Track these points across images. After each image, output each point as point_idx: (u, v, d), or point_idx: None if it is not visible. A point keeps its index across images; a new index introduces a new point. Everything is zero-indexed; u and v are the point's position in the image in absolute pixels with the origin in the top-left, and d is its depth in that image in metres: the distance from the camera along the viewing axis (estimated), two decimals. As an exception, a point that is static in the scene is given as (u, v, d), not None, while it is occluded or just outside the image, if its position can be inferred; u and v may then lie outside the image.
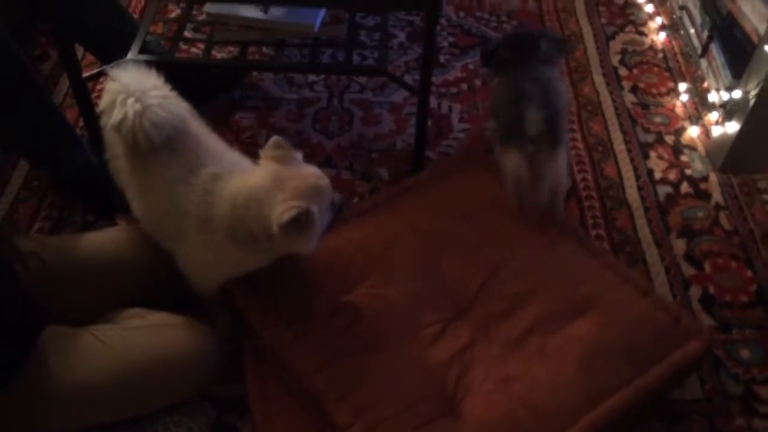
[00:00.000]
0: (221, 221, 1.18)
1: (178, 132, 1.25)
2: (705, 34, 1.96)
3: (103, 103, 1.26)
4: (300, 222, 1.11)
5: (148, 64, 1.38)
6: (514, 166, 1.42)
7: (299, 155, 1.23)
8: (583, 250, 1.42)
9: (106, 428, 1.17)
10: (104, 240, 1.35)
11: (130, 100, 1.20)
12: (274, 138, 1.22)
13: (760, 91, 1.62)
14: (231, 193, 1.18)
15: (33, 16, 1.99)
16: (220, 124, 1.79)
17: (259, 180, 1.17)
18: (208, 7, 1.73)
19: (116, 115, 1.21)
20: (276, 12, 1.70)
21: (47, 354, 1.13)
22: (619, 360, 1.24)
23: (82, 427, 1.16)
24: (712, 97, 1.85)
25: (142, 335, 1.21)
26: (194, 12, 1.82)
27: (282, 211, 1.10)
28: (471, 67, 2.07)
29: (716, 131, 1.80)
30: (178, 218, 1.23)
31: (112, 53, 1.67)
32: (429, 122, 1.77)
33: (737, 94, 1.69)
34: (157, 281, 1.32)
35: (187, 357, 1.21)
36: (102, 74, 1.56)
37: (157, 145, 1.22)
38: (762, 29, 1.65)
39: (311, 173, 1.21)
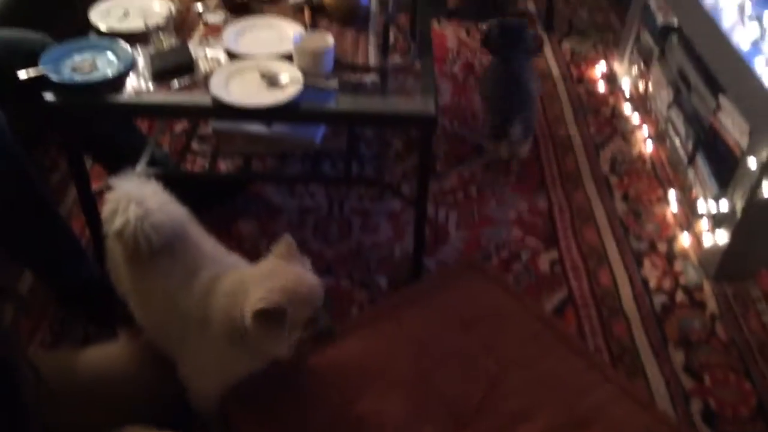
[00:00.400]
0: (217, 316, 1.19)
1: (177, 236, 1.28)
2: (690, 145, 2.04)
3: (105, 212, 1.29)
4: (271, 316, 1.11)
5: (156, 176, 1.44)
6: (503, 155, 2.16)
7: (307, 261, 1.24)
8: (582, 361, 1.42)
9: None
10: (105, 357, 1.35)
11: (132, 206, 1.23)
12: (286, 237, 1.23)
13: (746, 202, 1.68)
14: (226, 286, 1.20)
15: (44, 126, 2.07)
16: (223, 232, 1.83)
17: (255, 271, 1.20)
18: (215, 122, 1.81)
19: (118, 221, 1.24)
20: (279, 126, 1.78)
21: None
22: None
23: None
24: (701, 205, 1.90)
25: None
26: (200, 126, 1.91)
27: (257, 299, 1.11)
28: (466, 175, 2.14)
29: (707, 240, 1.85)
30: (180, 323, 1.24)
31: (120, 165, 1.73)
32: (426, 230, 1.81)
33: (724, 204, 1.75)
34: (159, 399, 1.31)
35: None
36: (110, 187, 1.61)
37: (157, 249, 1.24)
38: (743, 143, 1.73)
39: (304, 279, 1.19)
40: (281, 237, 1.23)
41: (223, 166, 2.01)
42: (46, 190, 1.65)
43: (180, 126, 2.15)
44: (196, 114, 1.67)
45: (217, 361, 1.24)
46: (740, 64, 1.74)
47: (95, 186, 1.65)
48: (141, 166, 1.71)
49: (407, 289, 1.62)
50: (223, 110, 1.46)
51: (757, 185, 1.65)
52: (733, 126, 1.81)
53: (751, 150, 1.67)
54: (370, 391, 1.36)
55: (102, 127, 1.78)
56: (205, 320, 1.21)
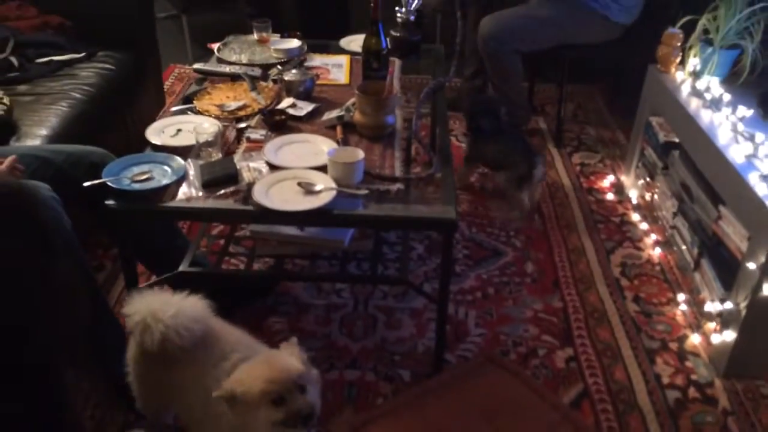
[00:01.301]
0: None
1: (204, 331, 1.40)
2: (695, 250, 2.17)
3: (131, 326, 1.39)
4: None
5: (198, 275, 1.59)
6: (527, 201, 2.52)
7: (305, 356, 1.36)
8: (597, 453, 1.49)
9: None
10: None
11: (158, 324, 1.35)
12: (293, 339, 1.39)
13: (749, 304, 1.78)
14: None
15: (93, 228, 2.26)
16: (255, 328, 1.96)
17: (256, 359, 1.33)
18: (253, 226, 1.98)
19: (147, 341, 1.36)
20: (311, 229, 1.94)
21: None
22: None
23: None
24: (708, 307, 2.00)
25: None
26: (237, 229, 2.08)
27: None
28: (485, 276, 2.28)
29: (716, 339, 1.93)
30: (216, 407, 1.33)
31: (164, 265, 1.89)
32: (447, 327, 1.92)
33: (729, 305, 1.85)
34: None
35: None
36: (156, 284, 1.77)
37: (187, 347, 1.36)
38: (744, 248, 1.85)
39: (275, 363, 1.29)
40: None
41: (257, 266, 2.17)
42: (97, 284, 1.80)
43: (217, 230, 2.34)
44: (240, 218, 1.84)
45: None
46: (736, 178, 1.90)
47: (141, 284, 1.81)
48: (184, 266, 1.87)
49: (430, 381, 1.70)
50: (264, 215, 1.63)
51: (758, 287, 1.76)
52: (734, 233, 1.95)
53: (750, 254, 1.80)
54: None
55: (150, 230, 1.96)
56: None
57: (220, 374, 1.34)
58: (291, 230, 1.95)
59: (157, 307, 1.37)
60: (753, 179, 1.84)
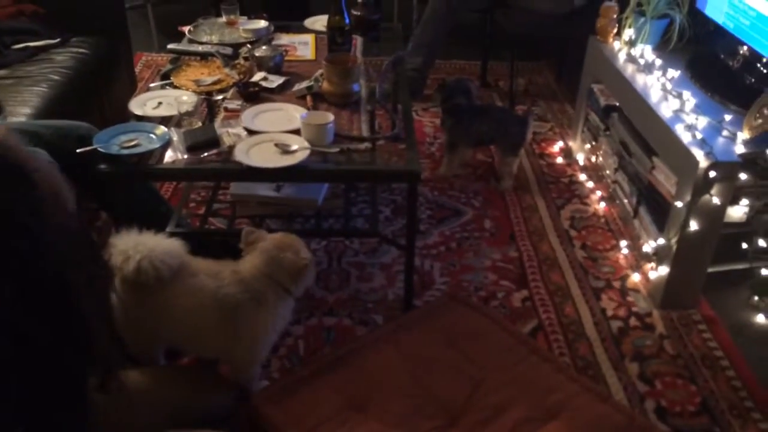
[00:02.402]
0: (264, 287, 1.59)
1: (179, 264, 1.59)
2: (634, 200, 2.41)
3: (116, 259, 1.55)
4: (306, 268, 1.65)
5: (184, 235, 1.75)
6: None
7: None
8: (550, 366, 1.70)
9: None
10: (169, 377, 1.63)
11: (137, 255, 1.53)
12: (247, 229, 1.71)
13: (679, 239, 2.02)
14: (255, 267, 1.61)
15: (80, 198, 2.38)
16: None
17: (270, 249, 1.64)
18: (233, 189, 2.14)
19: (127, 269, 1.53)
20: (287, 190, 2.12)
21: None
22: (586, 453, 1.48)
23: None
24: (646, 248, 2.24)
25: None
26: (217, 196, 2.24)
27: (297, 259, 1.63)
28: (447, 233, 2.48)
29: (653, 275, 2.17)
30: (227, 321, 1.57)
31: (150, 228, 2.03)
32: (414, 277, 2.12)
33: (662, 242, 2.09)
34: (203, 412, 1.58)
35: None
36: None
37: (169, 276, 1.55)
38: (673, 191, 2.09)
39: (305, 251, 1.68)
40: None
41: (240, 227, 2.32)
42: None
43: (197, 196, 2.49)
44: (223, 176, 2.00)
45: (267, 326, 1.59)
46: (666, 130, 2.14)
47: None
48: (171, 227, 2.02)
49: (402, 318, 1.90)
50: (246, 173, 1.80)
51: (686, 223, 2.00)
52: (665, 179, 2.19)
53: (678, 195, 2.03)
54: (376, 397, 1.62)
55: (136, 196, 2.10)
56: (255, 297, 1.57)
57: (226, 287, 1.58)
58: (268, 192, 2.12)
59: (137, 241, 1.55)
60: (679, 130, 2.08)
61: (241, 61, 2.33)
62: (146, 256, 1.53)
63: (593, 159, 2.86)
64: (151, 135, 1.91)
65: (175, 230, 2.01)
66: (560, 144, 3.07)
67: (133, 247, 1.54)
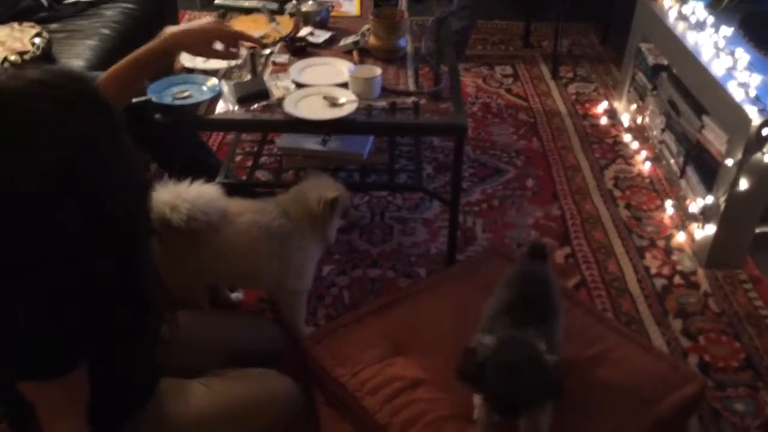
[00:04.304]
0: (301, 216, 1.68)
1: (224, 209, 1.65)
2: (681, 160, 2.38)
3: (162, 209, 1.59)
4: (335, 202, 1.68)
5: (231, 186, 1.80)
6: None
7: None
8: (593, 318, 1.72)
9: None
10: (220, 319, 1.72)
11: (183, 203, 1.58)
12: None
13: (728, 197, 2.00)
14: (294, 199, 1.71)
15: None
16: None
17: (306, 185, 1.75)
18: (280, 142, 2.18)
19: (176, 219, 1.58)
20: (333, 144, 2.14)
21: (163, 398, 1.40)
22: (629, 401, 1.49)
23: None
24: (692, 208, 2.22)
25: (242, 383, 1.48)
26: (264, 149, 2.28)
27: (326, 193, 1.68)
28: (489, 191, 2.49)
29: (699, 235, 2.16)
30: (281, 251, 1.66)
31: (198, 179, 2.09)
32: (457, 233, 2.13)
33: (710, 199, 2.07)
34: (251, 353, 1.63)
35: (277, 400, 1.48)
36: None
37: (215, 220, 1.61)
38: (723, 150, 2.06)
39: (338, 184, 1.76)
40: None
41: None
42: None
43: (244, 151, 2.54)
44: (273, 127, 2.04)
45: (309, 253, 1.70)
46: (717, 88, 2.10)
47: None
48: (220, 178, 2.07)
49: (445, 271, 1.93)
50: (295, 124, 1.83)
51: (735, 182, 1.97)
52: (715, 138, 2.16)
53: (729, 153, 2.01)
54: (419, 343, 1.65)
55: (187, 149, 2.16)
56: (297, 227, 1.67)
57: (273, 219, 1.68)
58: (314, 145, 2.15)
59: (179, 192, 1.59)
60: (732, 87, 2.04)
61: (287, 17, 2.35)
62: (194, 204, 1.58)
63: (639, 120, 2.82)
64: (203, 87, 1.94)
65: (223, 181, 2.05)
66: (604, 105, 3.03)
67: (178, 197, 1.59)
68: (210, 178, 2.07)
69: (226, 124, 1.94)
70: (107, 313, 1.14)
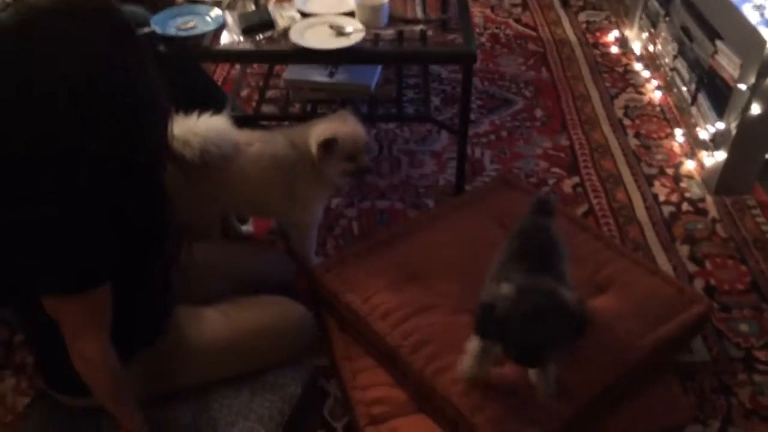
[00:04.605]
0: (303, 154, 1.65)
1: (236, 140, 1.65)
2: (693, 86, 2.35)
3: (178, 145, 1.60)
4: (327, 145, 1.60)
5: (238, 119, 1.79)
6: None
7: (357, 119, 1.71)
8: (601, 243, 1.74)
9: (228, 379, 1.46)
10: (232, 250, 1.75)
11: (196, 138, 1.58)
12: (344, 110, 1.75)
13: (739, 123, 1.98)
14: (302, 135, 1.67)
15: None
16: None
17: (316, 122, 1.70)
18: (286, 75, 2.16)
19: (189, 154, 1.57)
20: (340, 76, 2.12)
21: (181, 323, 1.44)
22: (636, 322, 1.53)
23: (210, 379, 1.44)
24: (703, 135, 2.21)
25: (255, 309, 1.52)
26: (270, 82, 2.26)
27: (318, 134, 1.62)
28: (498, 122, 2.47)
29: (708, 161, 2.15)
30: (287, 181, 1.66)
31: (205, 113, 2.08)
32: (465, 164, 2.13)
33: (721, 125, 2.05)
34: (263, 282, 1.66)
35: (290, 324, 1.52)
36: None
37: (227, 156, 1.61)
38: (736, 74, 2.03)
39: (349, 124, 1.66)
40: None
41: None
42: None
43: (249, 86, 2.52)
44: (279, 58, 2.02)
45: (314, 188, 1.69)
46: (732, 11, 2.05)
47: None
48: (227, 111, 2.06)
49: (455, 200, 1.94)
50: (301, 54, 1.80)
51: (747, 106, 1.95)
52: (728, 63, 2.12)
53: (742, 78, 1.98)
54: (429, 270, 1.68)
55: (192, 81, 2.14)
56: (301, 159, 1.65)
57: (281, 148, 1.67)
58: (321, 77, 2.13)
59: (189, 127, 1.59)
60: (747, 10, 1.99)
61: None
62: (205, 138, 1.59)
63: (650, 48, 2.77)
64: (206, 17, 1.92)
65: (230, 114, 2.04)
66: (615, 33, 2.97)
67: (189, 131, 1.58)
68: (216, 112, 2.07)
69: (231, 55, 1.92)
70: (128, 233, 1.16)
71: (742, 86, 1.95)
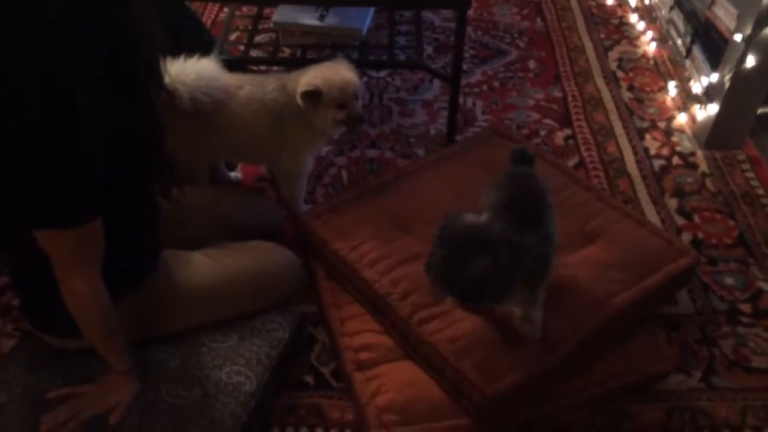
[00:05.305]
0: (291, 102, 1.61)
1: (224, 85, 1.62)
2: (688, 39, 2.32)
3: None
4: (312, 96, 1.56)
5: (226, 62, 1.74)
6: None
7: (350, 66, 1.66)
8: (590, 194, 1.73)
9: (216, 323, 1.46)
10: (220, 195, 1.73)
11: (184, 87, 1.53)
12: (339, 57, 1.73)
13: (733, 75, 1.96)
14: (291, 81, 1.62)
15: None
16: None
17: (307, 69, 1.64)
18: (275, 17, 2.10)
19: (179, 103, 1.53)
20: (330, 19, 2.07)
21: (169, 267, 1.42)
22: (623, 272, 1.53)
23: (198, 323, 1.44)
24: (696, 88, 2.19)
25: (243, 253, 1.51)
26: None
27: (301, 84, 1.58)
28: (490, 72, 2.43)
29: (700, 115, 2.14)
30: (276, 127, 1.63)
31: (192, 56, 2.03)
32: (457, 114, 2.10)
33: (715, 77, 2.03)
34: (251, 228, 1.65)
35: (278, 269, 1.52)
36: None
37: (218, 101, 1.59)
38: (732, 26, 2.00)
39: (338, 71, 1.61)
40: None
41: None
42: None
43: (239, 28, 2.46)
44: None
45: (303, 137, 1.66)
46: (731, -39, 2.01)
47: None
48: (215, 55, 2.01)
49: (445, 149, 1.92)
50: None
51: (742, 59, 1.93)
52: (725, 15, 2.08)
53: (738, 29, 1.95)
54: (420, 219, 1.67)
55: (180, 23, 2.08)
56: (290, 105, 1.61)
57: (269, 92, 1.63)
58: (312, 21, 2.08)
59: (178, 72, 1.54)
60: (746, -41, 1.95)
61: None
62: (193, 86, 1.54)
63: (646, 1, 2.72)
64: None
65: (219, 57, 1.99)
66: (612, -16, 2.92)
67: (177, 79, 1.53)
68: (204, 55, 2.02)
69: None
70: (122, 159, 1.15)
71: (738, 37, 1.93)
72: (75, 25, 1.02)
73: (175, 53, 2.12)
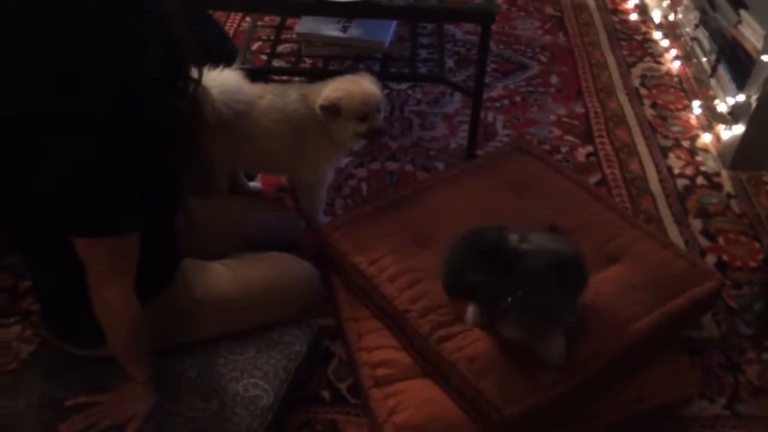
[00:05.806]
0: (312, 114, 1.62)
1: (249, 97, 1.61)
2: (713, 57, 2.29)
3: None
4: (330, 109, 1.57)
5: (249, 72, 1.74)
6: None
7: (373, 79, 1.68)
8: (613, 213, 1.71)
9: (233, 335, 1.45)
10: (240, 205, 1.73)
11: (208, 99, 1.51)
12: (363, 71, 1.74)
13: (760, 95, 1.93)
14: (312, 93, 1.63)
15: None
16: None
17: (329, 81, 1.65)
18: (298, 28, 2.10)
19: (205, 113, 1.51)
20: (353, 31, 2.06)
21: (188, 276, 1.42)
22: (646, 294, 1.50)
23: (215, 334, 1.43)
24: (721, 108, 2.16)
25: (262, 264, 1.51)
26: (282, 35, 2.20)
27: (320, 97, 1.58)
28: (512, 87, 2.42)
29: (725, 135, 2.11)
30: (296, 138, 1.63)
31: (216, 66, 2.03)
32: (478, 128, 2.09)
33: (741, 98, 2.00)
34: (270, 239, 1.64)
35: (297, 281, 1.51)
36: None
37: (242, 110, 1.58)
38: (760, 46, 1.98)
39: (360, 84, 1.61)
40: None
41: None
42: None
43: (261, 39, 2.46)
44: (293, 9, 1.95)
45: (323, 148, 1.66)
46: (759, -20, 1.98)
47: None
48: (238, 64, 2.01)
49: (466, 163, 1.91)
50: (315, 5, 1.76)
51: (770, 79, 1.91)
52: (751, 34, 2.06)
53: (765, 49, 1.92)
54: (439, 234, 1.65)
55: (203, 32, 2.09)
56: (311, 116, 1.62)
57: (291, 102, 1.64)
58: (334, 32, 2.07)
59: (203, 83, 1.53)
60: (775, -21, 1.93)
61: None
62: (218, 100, 1.54)
63: (671, 16, 2.70)
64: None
65: (243, 67, 1.99)
66: (635, 0, 2.90)
67: (200, 93, 1.51)
68: (228, 65, 2.02)
69: (241, 4, 1.86)
70: (162, 171, 1.15)
71: (766, 58, 1.90)
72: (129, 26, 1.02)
73: (201, 62, 2.14)
